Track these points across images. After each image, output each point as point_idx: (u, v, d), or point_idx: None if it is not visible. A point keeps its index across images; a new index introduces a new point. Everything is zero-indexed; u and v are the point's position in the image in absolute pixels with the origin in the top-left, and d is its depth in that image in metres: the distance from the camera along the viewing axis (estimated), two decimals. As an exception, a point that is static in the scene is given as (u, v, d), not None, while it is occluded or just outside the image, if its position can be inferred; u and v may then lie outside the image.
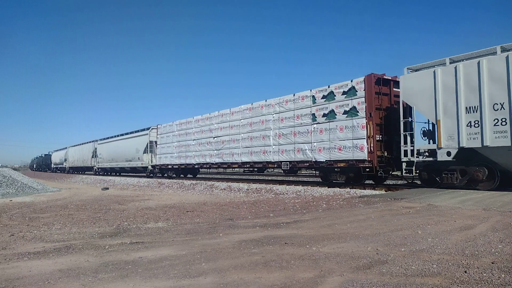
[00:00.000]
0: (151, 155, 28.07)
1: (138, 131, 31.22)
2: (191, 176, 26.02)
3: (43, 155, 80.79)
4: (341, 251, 4.28)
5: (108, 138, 38.09)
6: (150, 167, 28.20)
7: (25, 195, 15.59)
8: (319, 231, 5.51)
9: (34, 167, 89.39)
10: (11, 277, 3.69)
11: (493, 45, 10.08)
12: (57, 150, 62.38)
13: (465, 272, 3.40)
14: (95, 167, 40.45)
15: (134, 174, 34.04)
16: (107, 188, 20.49)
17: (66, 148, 53.75)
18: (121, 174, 37.71)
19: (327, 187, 13.61)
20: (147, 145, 28.41)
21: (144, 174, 30.32)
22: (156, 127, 27.85)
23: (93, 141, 42.01)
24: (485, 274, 3.32)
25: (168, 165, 25.59)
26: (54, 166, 61.88)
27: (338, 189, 12.94)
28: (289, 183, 16.94)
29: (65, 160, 52.50)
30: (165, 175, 26.98)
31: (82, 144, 46.34)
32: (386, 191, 11.81)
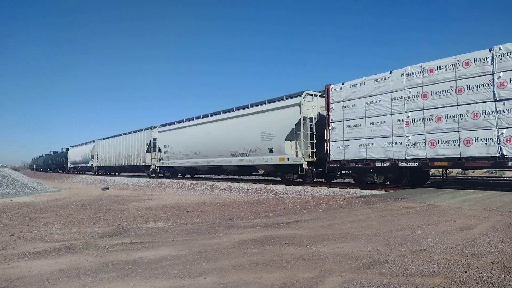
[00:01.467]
0: (296, 144, 15.06)
1: (261, 103, 17.53)
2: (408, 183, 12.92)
3: (51, 153, 66.09)
4: (341, 251, 4.28)
5: (177, 122, 24.68)
6: (305, 164, 14.51)
7: (25, 195, 15.59)
8: (319, 231, 5.51)
9: (35, 167, 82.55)
10: (11, 277, 3.69)
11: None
12: (76, 146, 48.17)
13: (465, 272, 3.40)
14: (153, 166, 26.91)
15: (245, 178, 21.23)
16: (107, 188, 20.50)
17: (93, 142, 40.07)
18: (205, 176, 24.31)
19: (327, 187, 13.61)
20: (298, 123, 14.73)
21: (271, 177, 19.27)
22: (315, 93, 15.19)
23: (148, 129, 28.01)
24: (485, 274, 3.32)
25: (374, 161, 12.60)
26: (72, 166, 48.05)
27: (338, 189, 12.94)
28: (289, 183, 16.92)
29: (93, 157, 39.32)
30: (358, 178, 13.95)
31: (125, 134, 31.95)
32: (386, 191, 11.81)
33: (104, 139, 37.36)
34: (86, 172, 43.01)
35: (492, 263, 3.64)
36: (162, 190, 18.20)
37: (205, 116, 21.91)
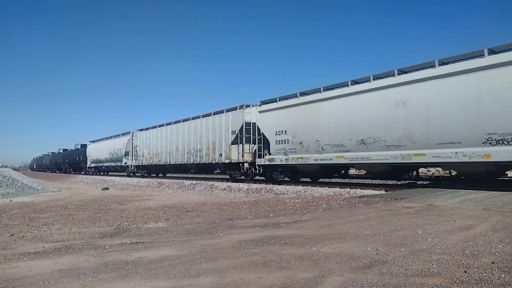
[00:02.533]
0: None
1: None
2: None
3: (61, 151, 56.50)
4: (341, 251, 4.28)
5: (300, 94, 15.45)
6: None
7: (25, 195, 15.59)
8: (319, 231, 5.51)
9: (35, 167, 79.19)
10: (11, 277, 3.68)
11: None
12: (98, 140, 38.63)
13: (465, 272, 3.40)
14: (246, 165, 17.71)
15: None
16: (107, 188, 20.49)
17: (128, 133, 30.24)
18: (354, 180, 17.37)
19: (327, 187, 13.60)
20: None
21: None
22: None
23: (235, 109, 18.68)
24: (485, 274, 3.32)
25: None
26: (93, 166, 39.31)
27: (338, 189, 12.94)
28: (289, 183, 16.91)
29: (127, 154, 29.87)
30: None
31: (188, 120, 22.28)
32: (386, 191, 11.81)
33: (147, 129, 27.58)
34: (112, 173, 34.88)
35: (492, 263, 3.64)
36: (162, 190, 18.20)
37: (385, 75, 12.60)
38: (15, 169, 49.97)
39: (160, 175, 28.65)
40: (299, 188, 13.88)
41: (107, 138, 36.66)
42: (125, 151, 30.37)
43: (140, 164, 28.14)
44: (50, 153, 66.30)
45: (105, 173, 38.14)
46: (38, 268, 4.00)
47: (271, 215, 7.76)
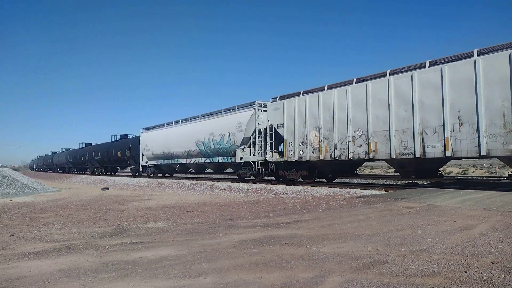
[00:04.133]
0: None
1: None
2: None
3: (83, 146, 43.14)
4: (341, 251, 4.28)
5: None
6: None
7: (25, 195, 15.59)
8: (319, 231, 5.51)
9: (34, 167, 77.48)
10: (11, 277, 3.68)
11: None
12: (163, 126, 25.15)
13: (465, 272, 3.40)
14: None
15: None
16: (107, 188, 20.49)
17: (248, 106, 17.31)
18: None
19: (327, 187, 13.59)
20: None
21: None
22: None
23: None
24: (485, 274, 3.32)
25: None
26: (152, 164, 26.14)
27: (338, 189, 12.93)
28: (289, 183, 16.87)
29: (245, 143, 17.01)
30: None
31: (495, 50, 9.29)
32: (386, 191, 11.80)
33: (309, 92, 14.73)
34: (199, 176, 24.78)
35: (492, 263, 3.64)
36: (162, 190, 18.19)
37: None
38: (14, 169, 49.40)
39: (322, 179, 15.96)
40: (299, 188, 13.87)
41: (185, 121, 22.81)
42: (243, 138, 17.11)
43: (294, 159, 15.02)
44: (64, 149, 53.43)
45: (171, 175, 26.11)
46: (38, 268, 4.00)
47: (271, 215, 7.76)
